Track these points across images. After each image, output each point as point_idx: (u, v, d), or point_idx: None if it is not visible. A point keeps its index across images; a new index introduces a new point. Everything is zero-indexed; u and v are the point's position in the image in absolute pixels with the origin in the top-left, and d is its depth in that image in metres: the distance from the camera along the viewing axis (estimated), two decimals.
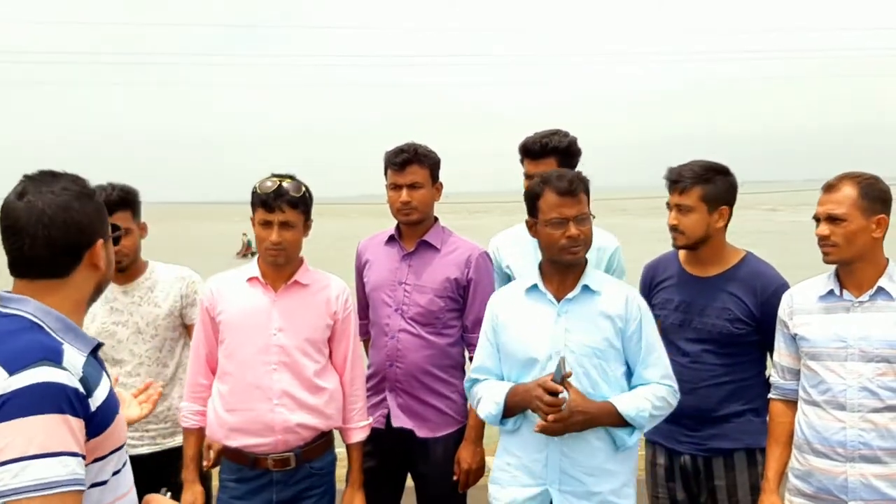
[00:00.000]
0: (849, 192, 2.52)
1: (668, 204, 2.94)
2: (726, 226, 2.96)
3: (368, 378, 3.21)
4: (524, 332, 2.62)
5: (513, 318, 2.66)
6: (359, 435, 2.95)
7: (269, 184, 2.74)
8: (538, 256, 2.75)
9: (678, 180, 2.89)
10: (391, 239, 3.26)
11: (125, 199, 3.07)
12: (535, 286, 2.65)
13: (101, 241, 1.72)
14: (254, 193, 2.76)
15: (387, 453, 3.14)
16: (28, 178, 1.68)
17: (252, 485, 2.80)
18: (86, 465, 1.58)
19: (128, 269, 3.14)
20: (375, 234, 3.38)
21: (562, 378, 2.42)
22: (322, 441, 2.86)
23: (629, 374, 2.64)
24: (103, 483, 1.67)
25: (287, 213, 2.72)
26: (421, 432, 3.11)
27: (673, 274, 3.05)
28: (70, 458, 1.52)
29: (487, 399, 2.66)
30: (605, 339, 2.57)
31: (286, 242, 2.74)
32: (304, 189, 2.78)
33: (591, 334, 2.57)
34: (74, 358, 1.61)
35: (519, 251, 3.24)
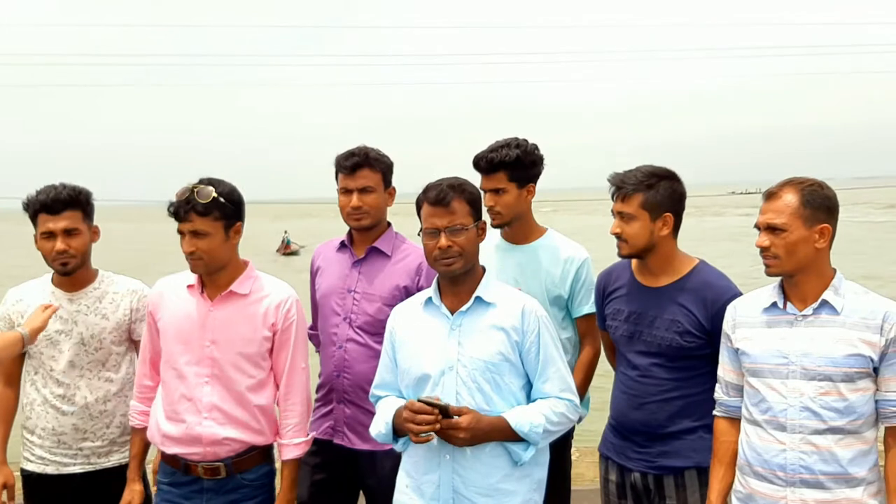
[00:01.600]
0: (790, 199, 2.39)
1: (612, 211, 2.83)
2: (675, 233, 2.83)
3: (318, 388, 3.17)
4: (418, 346, 2.57)
5: (409, 332, 2.62)
6: (291, 452, 2.86)
7: (180, 191, 2.69)
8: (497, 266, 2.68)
9: (620, 187, 2.77)
10: (343, 245, 3.20)
11: (74, 199, 2.98)
12: (430, 300, 2.60)
13: None
14: (171, 203, 2.71)
15: (336, 466, 3.09)
16: None
17: (184, 490, 2.80)
18: None
19: (74, 273, 3.02)
20: (330, 240, 3.31)
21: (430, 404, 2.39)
22: (254, 453, 2.82)
23: (530, 388, 2.56)
24: None
25: (195, 222, 2.67)
26: (368, 445, 3.02)
27: (624, 283, 2.93)
28: None
29: (378, 418, 2.62)
30: (498, 353, 2.49)
31: (200, 252, 2.69)
32: (216, 195, 2.68)
33: (483, 348, 2.50)
34: None
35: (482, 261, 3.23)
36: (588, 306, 3.15)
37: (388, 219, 3.21)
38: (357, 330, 3.06)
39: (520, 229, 3.22)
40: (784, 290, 2.49)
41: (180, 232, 2.70)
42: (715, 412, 2.69)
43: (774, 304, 2.49)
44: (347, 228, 3.19)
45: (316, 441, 3.11)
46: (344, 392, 3.08)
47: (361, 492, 3.20)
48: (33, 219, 2.98)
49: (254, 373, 2.79)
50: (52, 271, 3.07)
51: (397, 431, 2.55)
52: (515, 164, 3.09)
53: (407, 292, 3.03)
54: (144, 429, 2.92)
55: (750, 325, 2.53)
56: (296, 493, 2.90)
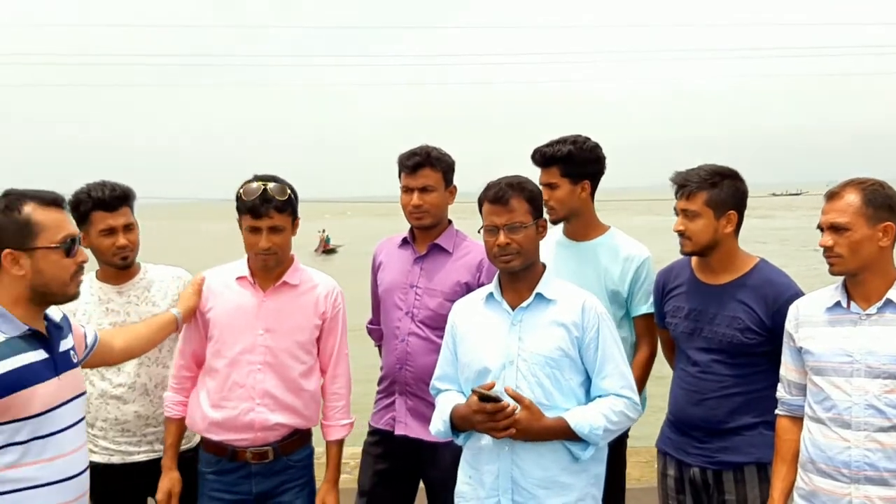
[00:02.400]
0: (852, 199, 2.41)
1: (675, 209, 2.87)
2: (737, 231, 2.87)
3: (380, 381, 3.26)
4: (479, 341, 2.61)
5: (470, 327, 2.67)
6: (338, 433, 3.01)
7: (254, 188, 2.77)
8: (558, 263, 2.70)
9: (684, 185, 2.81)
10: (405, 241, 3.28)
11: (126, 196, 3.08)
12: (491, 295, 2.65)
13: (5, 252, 2.10)
14: (238, 199, 2.80)
15: (398, 456, 3.16)
16: None
17: (231, 477, 2.87)
18: None
19: (131, 267, 3.14)
20: (392, 236, 3.39)
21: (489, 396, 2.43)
22: (298, 436, 2.94)
23: (590, 384, 2.58)
24: (22, 443, 2.10)
25: (275, 218, 2.77)
26: (431, 437, 3.06)
27: (684, 281, 2.97)
28: None
29: (436, 415, 2.68)
30: (558, 348, 2.52)
31: (276, 247, 2.80)
32: (288, 191, 2.82)
33: (544, 343, 2.53)
34: None
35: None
36: (647, 306, 3.17)
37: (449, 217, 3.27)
38: (419, 324, 3.13)
39: (579, 226, 3.25)
40: (847, 290, 2.50)
41: (255, 228, 2.77)
42: (777, 411, 2.71)
43: (838, 304, 2.51)
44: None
45: (378, 431, 3.22)
46: (406, 384, 3.15)
47: (421, 482, 3.26)
48: (85, 216, 3.05)
49: (305, 359, 2.91)
50: (96, 268, 3.17)
51: (456, 426, 2.60)
52: (568, 159, 3.12)
53: (468, 288, 3.09)
54: (180, 419, 3.00)
55: (813, 325, 2.54)
56: (340, 473, 3.03)
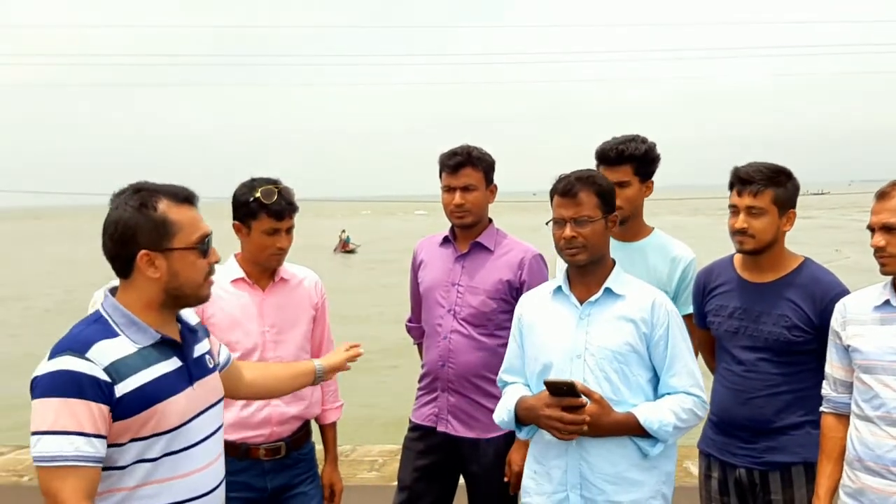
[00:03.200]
0: None
1: (731, 206, 2.84)
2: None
3: (422, 378, 3.29)
4: (546, 334, 2.62)
5: (537, 319, 2.67)
6: (334, 415, 3.16)
7: (272, 190, 2.81)
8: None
9: (750, 181, 2.78)
10: (446, 240, 3.30)
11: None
12: (560, 289, 2.65)
13: (141, 252, 1.94)
14: (253, 201, 2.79)
15: (439, 452, 3.19)
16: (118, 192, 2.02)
17: (245, 476, 2.87)
18: (120, 445, 1.88)
19: None
20: (432, 235, 3.42)
21: (564, 387, 2.41)
22: (305, 430, 3.04)
23: (657, 381, 2.58)
24: (153, 460, 1.93)
25: (292, 220, 2.88)
26: (472, 433, 3.14)
27: (728, 279, 2.95)
28: (78, 437, 1.80)
29: (501, 406, 2.69)
30: (626, 344, 2.52)
31: (289, 246, 2.91)
32: (293, 193, 2.90)
33: (612, 338, 2.53)
34: (110, 349, 1.89)
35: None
36: (689, 306, 3.15)
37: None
38: (461, 322, 3.15)
39: (632, 226, 3.22)
40: None
41: (275, 230, 2.82)
42: (822, 408, 2.69)
43: (887, 302, 2.49)
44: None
45: (420, 427, 3.25)
46: (448, 381, 3.17)
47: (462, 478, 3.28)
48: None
49: (308, 348, 3.01)
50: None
51: (520, 418, 2.59)
52: (643, 158, 3.10)
53: (509, 286, 3.12)
54: None
55: (861, 323, 2.53)
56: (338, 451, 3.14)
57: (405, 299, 3.53)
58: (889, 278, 2.52)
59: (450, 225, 3.28)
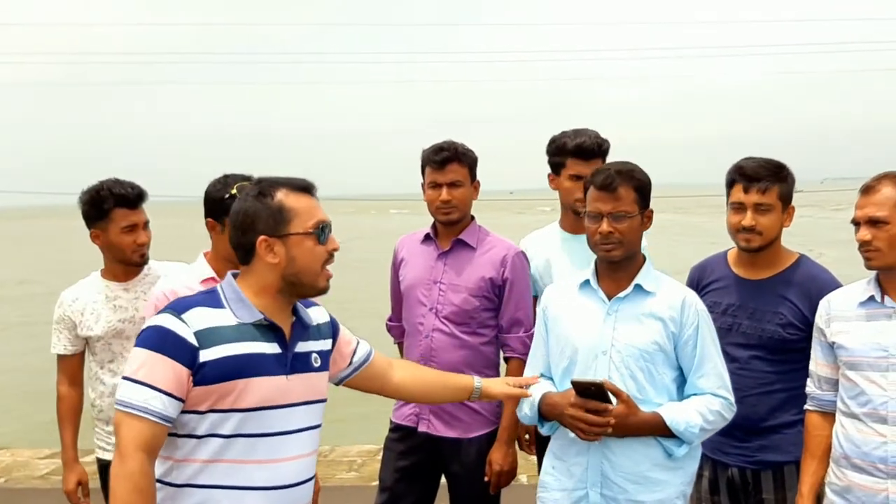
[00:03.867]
0: (889, 192, 2.38)
1: (736, 203, 2.77)
2: None
3: None
4: (573, 328, 2.55)
5: (563, 312, 2.60)
6: None
7: (245, 188, 2.74)
8: (565, 258, 2.65)
9: (758, 178, 2.73)
10: (427, 237, 3.25)
11: (143, 193, 3.12)
12: (587, 282, 2.58)
13: (260, 238, 2.00)
14: (231, 197, 2.64)
15: (420, 452, 3.14)
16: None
17: None
18: (199, 413, 1.94)
19: (146, 263, 3.17)
20: (413, 232, 3.36)
21: (591, 386, 2.36)
22: None
23: (682, 381, 2.52)
24: (227, 437, 1.95)
25: None
26: (454, 433, 3.09)
27: (722, 276, 2.91)
28: (150, 390, 1.89)
29: (525, 399, 2.62)
30: (653, 342, 2.45)
31: None
32: None
33: (639, 335, 2.46)
34: (208, 316, 1.97)
35: (548, 252, 3.25)
36: None
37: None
38: (443, 320, 3.10)
39: (582, 220, 3.26)
40: (881, 284, 2.47)
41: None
42: (807, 406, 2.66)
43: (872, 298, 2.47)
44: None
45: (401, 427, 3.19)
46: None
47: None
48: (106, 212, 3.05)
49: None
50: (100, 267, 3.22)
51: (543, 414, 2.54)
52: (607, 153, 3.17)
53: (492, 284, 3.08)
54: None
55: (846, 319, 2.51)
56: None
57: (386, 298, 3.48)
58: (873, 274, 2.50)
59: (431, 221, 3.23)
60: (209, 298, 2.04)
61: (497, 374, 3.15)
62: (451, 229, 3.16)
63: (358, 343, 2.39)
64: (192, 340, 1.92)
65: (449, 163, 3.07)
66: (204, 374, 1.92)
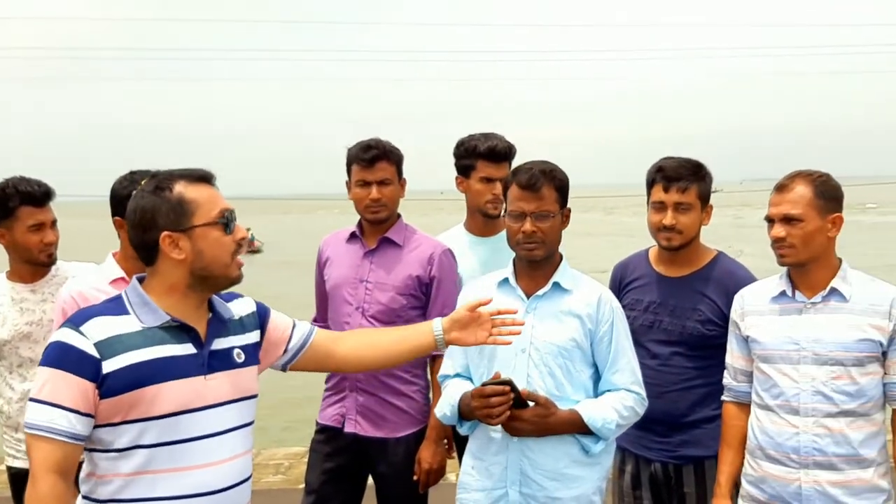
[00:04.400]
0: (803, 191, 2.45)
1: (657, 202, 2.82)
2: None
3: (329, 378, 3.18)
4: None
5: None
6: None
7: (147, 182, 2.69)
8: (473, 261, 2.73)
9: (678, 178, 2.78)
10: (353, 236, 3.20)
11: (51, 192, 3.03)
12: (506, 280, 2.59)
13: (163, 234, 1.90)
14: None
15: (347, 453, 3.10)
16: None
17: None
18: (113, 425, 1.85)
19: (53, 264, 3.08)
20: (338, 231, 3.31)
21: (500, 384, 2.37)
22: None
23: (598, 377, 2.56)
24: (151, 447, 1.86)
25: None
26: (381, 433, 3.06)
27: (643, 274, 2.96)
28: (55, 409, 1.81)
29: (444, 400, 2.62)
30: (571, 339, 2.48)
31: None
32: None
33: (558, 333, 2.49)
34: (109, 325, 1.87)
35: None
36: None
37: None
38: (370, 319, 3.06)
39: (491, 222, 3.31)
40: (792, 279, 2.55)
41: None
42: (724, 397, 2.73)
43: (783, 293, 2.55)
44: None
45: (327, 429, 3.14)
46: (357, 381, 3.08)
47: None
48: (11, 211, 2.95)
49: None
50: (6, 269, 3.12)
51: (463, 415, 2.53)
52: (512, 155, 3.23)
53: (419, 282, 3.06)
54: None
55: (759, 313, 2.58)
56: None
57: (313, 298, 3.43)
58: (785, 270, 2.57)
59: (357, 219, 3.20)
60: (112, 306, 1.94)
61: (425, 374, 3.15)
62: (378, 228, 3.13)
63: (294, 327, 2.25)
64: (93, 352, 1.83)
65: (378, 161, 3.04)
66: (109, 386, 1.83)
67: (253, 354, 2.09)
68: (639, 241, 2.97)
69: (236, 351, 2.04)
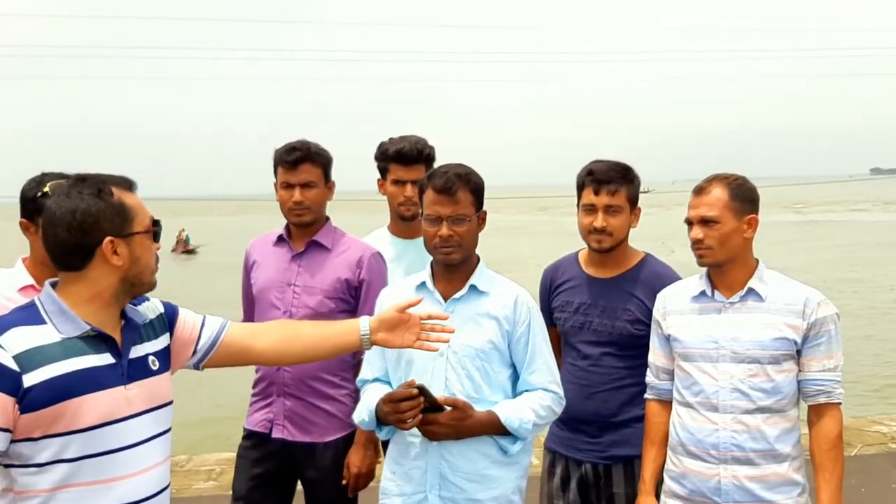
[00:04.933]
0: (720, 193, 2.52)
1: (587, 205, 2.85)
2: None
3: (256, 383, 3.13)
4: None
5: None
6: None
7: (61, 186, 2.58)
8: (398, 263, 2.73)
9: (608, 181, 2.81)
10: (280, 239, 3.16)
11: None
12: (423, 284, 2.58)
13: (107, 239, 1.86)
14: (45, 195, 2.47)
15: (275, 459, 3.06)
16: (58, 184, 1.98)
17: None
18: (33, 440, 1.78)
19: None
20: (265, 234, 3.26)
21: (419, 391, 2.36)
22: None
23: (516, 378, 2.56)
24: (73, 460, 1.81)
25: None
26: (309, 437, 3.03)
27: (574, 276, 2.99)
28: None
29: (362, 405, 2.60)
30: (489, 341, 2.49)
31: None
32: None
33: (475, 335, 2.49)
34: (28, 336, 1.80)
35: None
36: None
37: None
38: None
39: (412, 224, 3.33)
40: (711, 279, 2.61)
41: None
42: (647, 395, 2.77)
43: (703, 293, 2.61)
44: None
45: (254, 434, 3.09)
46: (285, 385, 3.04)
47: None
48: None
49: None
50: None
51: (380, 420, 2.51)
52: (432, 158, 3.25)
53: (348, 285, 3.04)
54: None
55: (680, 313, 2.64)
56: None
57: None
58: (705, 270, 2.62)
59: (284, 223, 3.15)
60: (27, 315, 1.86)
61: (354, 377, 3.10)
62: (305, 230, 3.10)
63: (203, 325, 2.19)
64: (13, 366, 1.76)
65: (301, 163, 3.00)
66: (31, 400, 1.76)
67: (165, 360, 2.07)
68: (577, 241, 3.00)
69: (151, 358, 2.01)
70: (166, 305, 2.13)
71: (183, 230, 40.64)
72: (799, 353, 2.50)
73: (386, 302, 2.64)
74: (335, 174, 3.16)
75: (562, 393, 2.58)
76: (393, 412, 2.39)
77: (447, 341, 2.32)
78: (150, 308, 2.08)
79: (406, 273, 3.04)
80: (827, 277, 19.34)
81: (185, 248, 38.68)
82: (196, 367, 2.21)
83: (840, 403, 2.51)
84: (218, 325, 2.22)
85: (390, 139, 3.30)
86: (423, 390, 2.36)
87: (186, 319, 2.16)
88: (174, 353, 2.11)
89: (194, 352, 2.17)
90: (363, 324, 2.28)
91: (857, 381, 10.09)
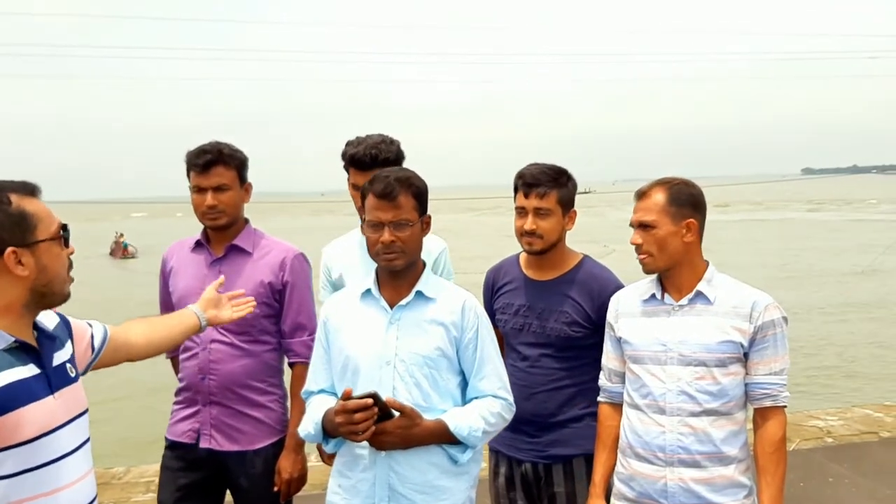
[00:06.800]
0: (658, 198, 2.50)
1: (519, 208, 2.85)
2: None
3: (179, 392, 3.01)
4: (355, 339, 2.45)
5: (344, 323, 2.49)
6: None
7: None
8: (366, 266, 2.61)
9: (537, 184, 2.80)
10: (198, 244, 3.02)
11: None
12: (368, 291, 2.49)
13: (8, 250, 1.78)
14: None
15: (202, 469, 2.94)
16: None
17: None
18: None
19: None
20: (182, 240, 3.12)
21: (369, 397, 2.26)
22: None
23: (465, 385, 2.49)
24: (12, 476, 1.74)
25: None
26: (238, 446, 2.92)
27: (514, 278, 2.98)
28: None
29: (307, 418, 2.48)
30: (437, 348, 2.41)
31: None
32: None
33: (422, 343, 2.41)
34: None
35: (348, 260, 3.12)
36: None
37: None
38: (221, 330, 2.90)
39: None
40: (661, 283, 2.59)
41: None
42: (599, 398, 2.75)
43: (653, 296, 2.59)
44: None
45: (179, 445, 2.96)
46: (210, 394, 2.93)
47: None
48: None
49: None
50: None
51: (328, 432, 2.42)
52: (395, 160, 3.04)
53: (271, 288, 2.94)
54: None
55: (631, 315, 2.62)
56: None
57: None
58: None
59: (202, 228, 3.02)
60: None
61: (281, 382, 3.03)
62: (224, 234, 2.98)
63: (92, 326, 2.20)
64: None
65: (212, 166, 2.88)
66: None
67: (76, 366, 2.02)
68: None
69: (68, 366, 1.97)
70: (60, 315, 2.08)
71: (121, 234, 39.72)
72: (746, 356, 2.48)
73: (331, 310, 2.56)
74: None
75: (511, 399, 2.51)
76: (346, 423, 2.27)
77: (254, 307, 2.64)
78: (47, 317, 2.02)
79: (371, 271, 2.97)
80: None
81: (123, 252, 37.86)
82: (85, 371, 2.17)
83: (785, 407, 2.50)
84: (100, 325, 2.23)
85: (349, 141, 3.13)
86: (376, 399, 2.26)
87: (78, 324, 2.14)
88: (77, 359, 2.06)
89: (92, 350, 2.16)
90: (195, 308, 2.56)
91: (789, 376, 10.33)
